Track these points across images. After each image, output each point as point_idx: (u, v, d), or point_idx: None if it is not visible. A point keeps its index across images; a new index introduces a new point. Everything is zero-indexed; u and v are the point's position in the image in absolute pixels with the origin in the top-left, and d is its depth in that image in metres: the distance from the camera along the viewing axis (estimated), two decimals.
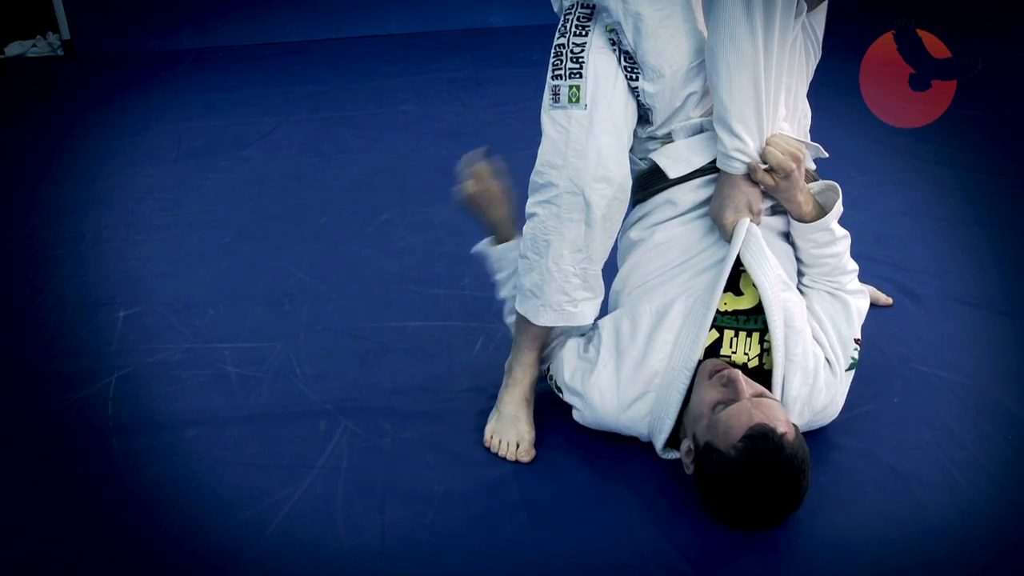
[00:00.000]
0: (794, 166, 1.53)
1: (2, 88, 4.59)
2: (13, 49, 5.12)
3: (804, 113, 1.84)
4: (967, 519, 1.50)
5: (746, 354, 1.59)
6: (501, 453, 1.69)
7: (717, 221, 1.60)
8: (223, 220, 2.78)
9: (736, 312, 1.59)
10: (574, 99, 1.62)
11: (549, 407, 1.79)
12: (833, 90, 2.26)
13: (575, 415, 1.70)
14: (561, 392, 1.72)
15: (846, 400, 1.66)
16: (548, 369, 1.77)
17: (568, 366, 1.69)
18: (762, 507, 1.42)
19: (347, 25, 5.15)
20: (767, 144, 1.54)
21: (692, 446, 1.51)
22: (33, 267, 2.53)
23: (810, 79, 1.76)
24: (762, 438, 1.37)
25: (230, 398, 1.90)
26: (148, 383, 1.96)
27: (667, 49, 1.57)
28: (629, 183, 1.68)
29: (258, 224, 2.74)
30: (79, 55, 5.07)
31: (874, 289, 2.10)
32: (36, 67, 4.94)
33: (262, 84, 4.29)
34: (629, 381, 1.60)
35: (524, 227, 1.71)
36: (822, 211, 1.61)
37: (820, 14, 1.67)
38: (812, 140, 1.74)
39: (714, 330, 1.58)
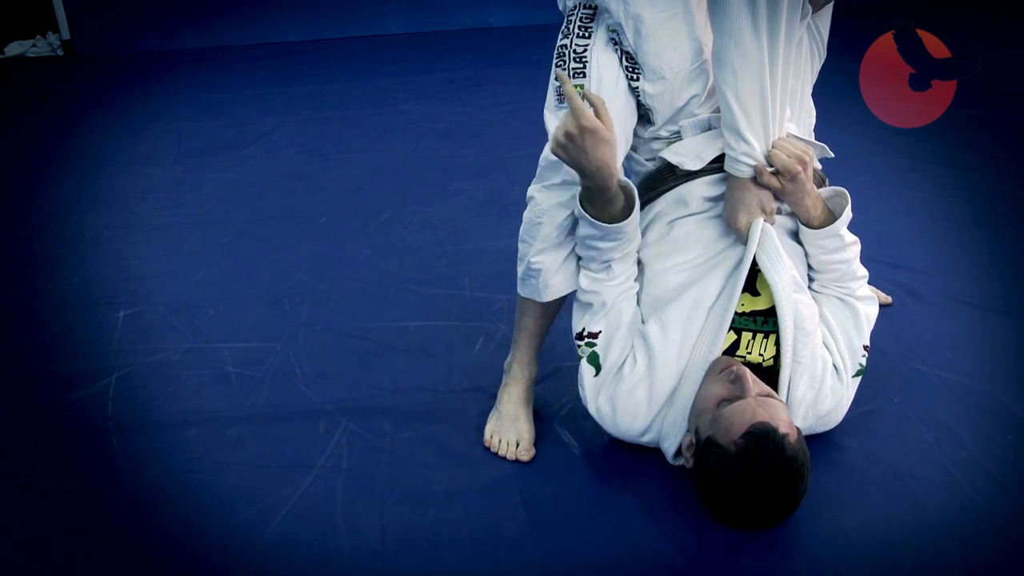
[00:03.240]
0: (800, 168, 1.52)
1: (2, 88, 4.59)
2: (13, 49, 5.13)
3: (809, 112, 1.83)
4: (967, 519, 1.50)
5: (761, 355, 1.59)
6: (501, 452, 1.69)
7: (731, 225, 1.59)
8: (223, 220, 2.78)
9: (754, 313, 1.59)
10: None
11: (549, 407, 1.80)
12: (833, 90, 2.26)
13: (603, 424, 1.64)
14: (597, 360, 1.63)
15: None
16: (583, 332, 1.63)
17: (605, 392, 1.62)
18: (757, 506, 1.42)
19: (347, 25, 5.15)
20: (773, 147, 1.54)
21: (693, 440, 1.51)
22: (33, 267, 2.53)
23: (815, 80, 1.76)
24: (763, 436, 1.37)
25: (230, 398, 1.90)
26: (148, 383, 1.96)
27: (667, 51, 1.57)
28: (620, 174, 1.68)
29: (258, 224, 2.74)
30: (79, 55, 5.07)
31: (874, 288, 2.10)
32: (36, 67, 4.94)
33: (262, 84, 4.29)
34: (661, 388, 1.58)
35: (524, 213, 1.71)
36: (831, 215, 1.61)
37: (825, 15, 1.66)
38: (816, 140, 1.74)
39: (732, 332, 1.58)
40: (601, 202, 1.53)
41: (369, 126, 3.60)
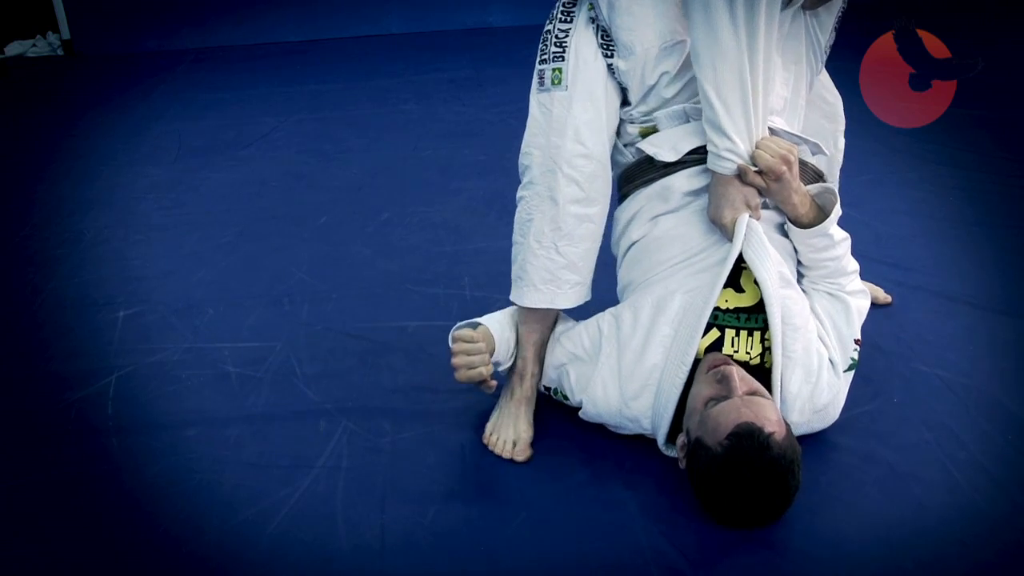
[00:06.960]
0: (785, 169, 1.52)
1: (2, 88, 4.59)
2: (13, 49, 5.13)
3: (832, 118, 1.83)
4: (967, 519, 1.50)
5: (748, 352, 1.59)
6: (497, 451, 1.69)
7: (716, 222, 1.59)
8: (223, 220, 2.78)
9: (737, 310, 1.59)
10: (556, 81, 1.64)
11: (550, 407, 1.79)
12: None
13: (581, 413, 1.70)
14: (567, 399, 1.72)
15: (846, 400, 1.66)
16: (547, 387, 1.77)
17: (573, 370, 1.70)
18: (747, 505, 1.42)
19: (347, 25, 5.15)
20: (757, 147, 1.53)
21: (686, 440, 1.51)
22: (33, 267, 2.53)
23: (810, 84, 1.73)
24: (747, 437, 1.37)
25: (230, 398, 1.90)
26: (148, 383, 1.96)
27: (639, 27, 1.58)
28: (609, 159, 1.69)
29: (258, 224, 2.74)
30: (79, 55, 5.07)
31: (874, 286, 2.09)
32: (36, 67, 4.95)
33: (262, 84, 4.29)
34: (630, 374, 1.60)
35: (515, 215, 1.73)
36: (820, 213, 1.61)
37: (826, 19, 1.64)
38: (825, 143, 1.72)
39: (715, 329, 1.58)
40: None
41: (369, 126, 3.60)
